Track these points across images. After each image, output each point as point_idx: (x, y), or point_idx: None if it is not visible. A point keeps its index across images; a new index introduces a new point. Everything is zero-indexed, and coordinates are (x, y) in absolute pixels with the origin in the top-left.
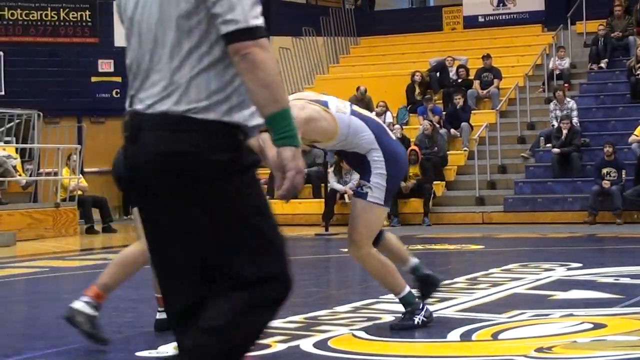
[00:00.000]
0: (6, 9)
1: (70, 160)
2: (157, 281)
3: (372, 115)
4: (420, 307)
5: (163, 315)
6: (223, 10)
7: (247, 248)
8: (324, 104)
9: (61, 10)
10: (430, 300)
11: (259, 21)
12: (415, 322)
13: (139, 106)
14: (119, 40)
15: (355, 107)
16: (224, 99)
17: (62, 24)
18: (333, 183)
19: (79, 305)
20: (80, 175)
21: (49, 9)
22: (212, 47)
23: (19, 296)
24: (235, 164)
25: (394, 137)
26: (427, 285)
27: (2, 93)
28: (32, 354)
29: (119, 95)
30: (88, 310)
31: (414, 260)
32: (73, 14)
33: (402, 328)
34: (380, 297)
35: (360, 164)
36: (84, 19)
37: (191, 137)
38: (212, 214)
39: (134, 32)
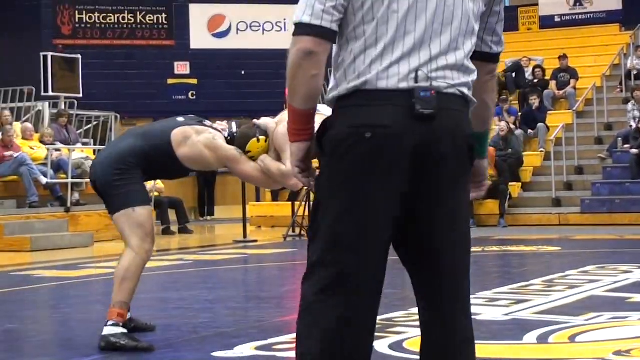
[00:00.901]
0: (84, 12)
1: None
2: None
3: None
4: None
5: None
6: (500, 30)
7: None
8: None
9: (138, 12)
10: None
11: None
12: None
13: (434, 83)
14: (195, 42)
15: None
16: None
17: (138, 26)
18: None
19: (108, 330)
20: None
21: (126, 11)
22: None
23: (97, 296)
24: None
25: None
26: None
27: (80, 95)
28: (111, 353)
29: (194, 97)
30: (118, 330)
31: None
32: (150, 17)
33: None
34: None
35: None
36: (161, 21)
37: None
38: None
39: (419, 3)
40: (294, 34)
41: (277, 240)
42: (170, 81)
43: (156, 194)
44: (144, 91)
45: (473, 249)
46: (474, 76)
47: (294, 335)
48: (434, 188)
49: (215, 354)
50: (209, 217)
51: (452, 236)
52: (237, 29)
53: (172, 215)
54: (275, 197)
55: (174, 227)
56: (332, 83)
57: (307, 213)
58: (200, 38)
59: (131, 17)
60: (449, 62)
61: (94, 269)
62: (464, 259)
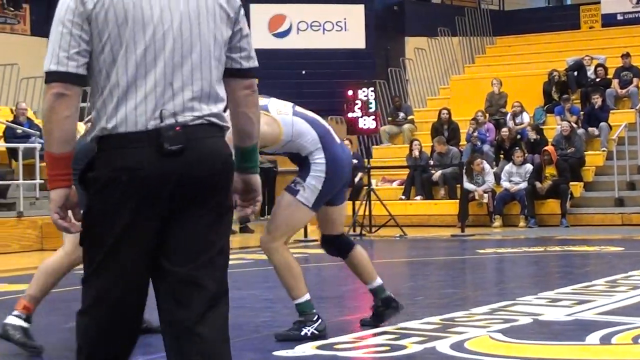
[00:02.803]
0: None
1: None
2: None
3: (317, 117)
4: (315, 319)
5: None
6: (249, 46)
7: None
8: (264, 108)
9: None
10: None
11: None
12: (303, 334)
13: (180, 119)
14: (256, 42)
15: (299, 108)
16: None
17: None
18: (466, 183)
19: (10, 319)
20: None
21: None
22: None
23: None
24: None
25: (338, 141)
26: (388, 308)
27: None
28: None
29: None
30: (19, 322)
31: (379, 281)
32: None
33: (286, 338)
34: (517, 299)
35: (301, 162)
36: None
37: (227, 145)
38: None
39: (157, 41)
40: (45, 82)
41: None
42: None
43: None
44: None
45: (535, 248)
46: (224, 100)
47: (355, 335)
48: (181, 215)
49: (276, 353)
50: (269, 217)
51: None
52: (298, 29)
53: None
54: None
55: (236, 227)
56: (90, 124)
57: (367, 212)
58: (261, 38)
59: None
60: (194, 94)
61: None
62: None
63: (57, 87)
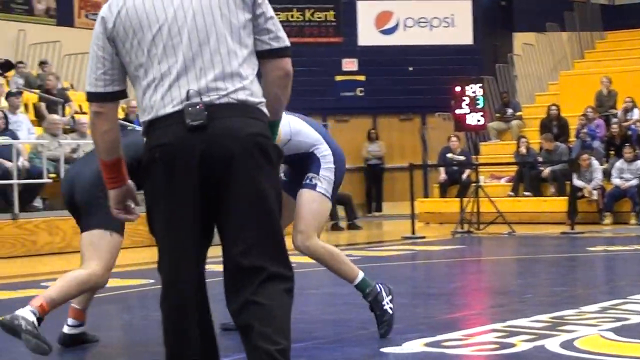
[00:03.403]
0: None
1: None
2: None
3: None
4: (379, 289)
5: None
6: (275, 27)
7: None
8: None
9: (306, 10)
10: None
11: None
12: (389, 312)
13: (205, 98)
14: (363, 39)
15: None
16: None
17: (307, 24)
18: (575, 180)
19: (23, 312)
20: None
21: (294, 9)
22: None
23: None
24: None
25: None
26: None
27: None
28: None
29: (362, 94)
30: (32, 318)
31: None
32: (318, 14)
33: (387, 330)
34: (628, 297)
35: (307, 159)
36: (329, 19)
37: (263, 125)
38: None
39: (173, 36)
40: (87, 101)
41: (446, 236)
42: (338, 78)
43: None
44: (312, 88)
45: None
46: (252, 77)
47: (464, 332)
48: (226, 184)
49: (383, 349)
50: (376, 213)
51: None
52: (405, 25)
53: (340, 211)
54: (443, 193)
55: (343, 223)
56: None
57: (475, 209)
58: (368, 35)
59: (300, 15)
60: (216, 76)
61: None
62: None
63: (93, 106)
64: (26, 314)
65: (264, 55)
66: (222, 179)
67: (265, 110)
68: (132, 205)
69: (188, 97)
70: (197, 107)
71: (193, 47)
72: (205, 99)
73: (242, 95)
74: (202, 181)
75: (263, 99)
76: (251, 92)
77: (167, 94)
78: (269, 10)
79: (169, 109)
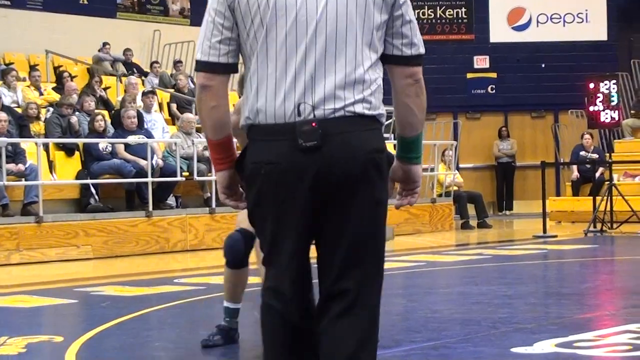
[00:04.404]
0: None
1: (445, 156)
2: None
3: None
4: None
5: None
6: (412, 33)
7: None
8: None
9: (437, 7)
10: None
11: None
12: None
13: (318, 112)
14: (495, 36)
15: None
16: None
17: (439, 21)
18: None
19: None
20: (456, 171)
21: (426, 7)
22: (378, 61)
23: (397, 289)
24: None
25: None
26: (221, 336)
27: None
28: (410, 347)
29: (493, 91)
30: None
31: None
32: (449, 11)
33: None
34: None
35: None
36: (460, 15)
37: (380, 137)
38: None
39: (299, 26)
40: (195, 70)
41: (578, 235)
42: (469, 75)
43: (455, 188)
44: (443, 86)
45: None
46: (375, 85)
47: (596, 333)
48: (339, 209)
49: (514, 349)
50: (507, 212)
51: (353, 259)
52: (537, 22)
53: (470, 209)
54: (576, 191)
55: (473, 222)
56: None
57: (609, 208)
58: (500, 31)
59: (431, 12)
60: (338, 82)
61: (394, 263)
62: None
63: (201, 77)
64: None
65: (392, 61)
66: (334, 196)
67: (381, 119)
68: (242, 191)
69: (299, 111)
70: (311, 124)
71: (318, 45)
72: (319, 112)
73: (359, 108)
74: (313, 202)
75: (382, 111)
76: (370, 104)
77: (279, 96)
78: (409, 13)
79: (279, 119)
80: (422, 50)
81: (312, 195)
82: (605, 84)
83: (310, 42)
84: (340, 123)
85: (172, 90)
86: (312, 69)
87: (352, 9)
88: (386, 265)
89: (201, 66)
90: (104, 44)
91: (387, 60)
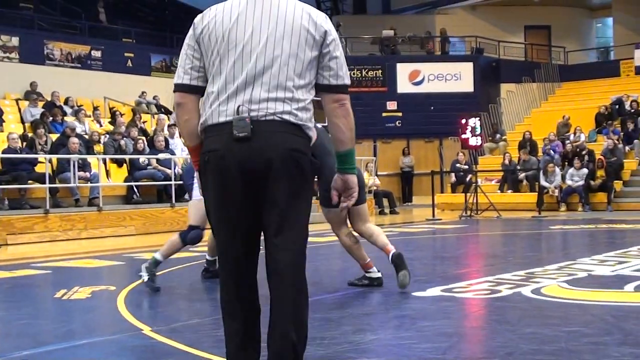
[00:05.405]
0: None
1: (368, 166)
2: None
3: None
4: None
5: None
6: (337, 66)
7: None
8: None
9: (363, 69)
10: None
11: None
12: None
13: (253, 113)
14: (400, 88)
15: None
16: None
17: (363, 78)
18: (542, 181)
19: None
20: (375, 177)
21: (355, 69)
22: (308, 87)
23: (336, 256)
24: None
25: None
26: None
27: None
28: (347, 292)
29: (400, 125)
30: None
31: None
32: (371, 72)
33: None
34: (577, 260)
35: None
36: (378, 75)
37: (303, 143)
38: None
39: (244, 55)
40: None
41: (455, 219)
42: (384, 114)
43: (374, 187)
44: (367, 121)
45: (589, 225)
46: (303, 104)
47: (467, 282)
48: (264, 194)
49: (414, 293)
50: (409, 203)
51: (277, 240)
52: (428, 79)
53: (385, 202)
54: (453, 190)
55: (387, 210)
56: None
57: (475, 200)
58: (404, 85)
59: (359, 72)
60: (270, 96)
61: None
62: (288, 260)
63: (176, 96)
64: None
65: (322, 89)
66: (261, 183)
67: (309, 132)
68: None
69: (238, 111)
70: (245, 120)
71: (257, 68)
72: (253, 114)
73: (286, 117)
74: (245, 184)
75: (309, 124)
76: (296, 117)
77: (223, 104)
78: (336, 51)
79: (222, 119)
80: (347, 81)
81: (244, 180)
82: (472, 120)
83: (251, 67)
84: (269, 123)
85: None
86: (251, 86)
87: (287, 46)
88: (322, 239)
89: (177, 87)
90: (142, 92)
91: (318, 88)
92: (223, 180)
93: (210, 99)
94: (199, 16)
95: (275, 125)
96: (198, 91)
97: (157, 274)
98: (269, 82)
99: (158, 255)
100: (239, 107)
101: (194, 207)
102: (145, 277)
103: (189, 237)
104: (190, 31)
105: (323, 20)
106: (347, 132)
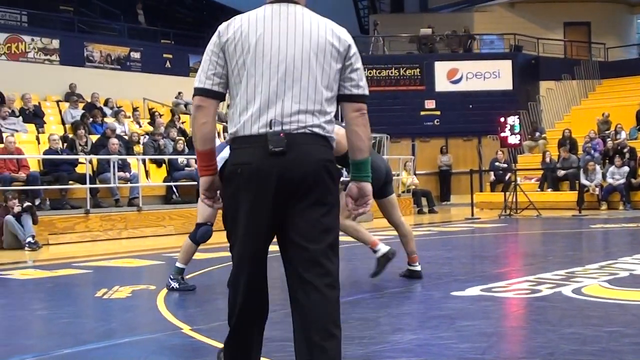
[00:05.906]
0: (366, 69)
1: (406, 166)
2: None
3: None
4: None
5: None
6: (358, 77)
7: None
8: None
9: (401, 68)
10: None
11: None
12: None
13: (285, 127)
14: (439, 87)
15: None
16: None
17: (402, 77)
18: (582, 180)
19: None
20: (414, 176)
21: (393, 68)
22: (334, 98)
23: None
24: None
25: None
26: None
27: None
28: (388, 290)
29: (438, 123)
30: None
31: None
32: (409, 71)
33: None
34: (618, 259)
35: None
36: (416, 74)
37: (330, 152)
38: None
39: (272, 67)
40: (192, 96)
41: (494, 218)
42: (422, 113)
43: (413, 186)
44: (406, 120)
45: (630, 224)
46: (329, 116)
47: (507, 282)
48: (294, 206)
49: (453, 293)
50: (447, 202)
51: (304, 254)
52: (467, 77)
53: (423, 201)
54: (493, 189)
55: (425, 209)
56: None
57: (514, 199)
58: (442, 84)
59: (397, 71)
60: (300, 109)
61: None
62: (313, 273)
63: (197, 100)
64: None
65: (344, 99)
66: (295, 193)
67: (333, 143)
68: (218, 195)
69: (271, 125)
70: (279, 134)
71: (287, 81)
72: (286, 127)
73: (316, 129)
74: (277, 195)
75: (333, 135)
76: (324, 129)
77: (254, 116)
78: (357, 63)
79: (254, 131)
80: (366, 92)
81: (276, 192)
82: (511, 119)
83: (280, 80)
84: (301, 137)
85: (224, 123)
86: (282, 99)
87: (314, 59)
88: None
89: (198, 91)
90: (179, 92)
91: (340, 98)
92: (257, 191)
93: (239, 109)
94: (224, 25)
95: (307, 138)
96: (218, 97)
97: (196, 273)
98: (299, 94)
99: (178, 264)
100: (271, 120)
101: (201, 204)
102: (176, 285)
103: (199, 234)
104: (215, 38)
105: (345, 35)
106: (365, 141)
